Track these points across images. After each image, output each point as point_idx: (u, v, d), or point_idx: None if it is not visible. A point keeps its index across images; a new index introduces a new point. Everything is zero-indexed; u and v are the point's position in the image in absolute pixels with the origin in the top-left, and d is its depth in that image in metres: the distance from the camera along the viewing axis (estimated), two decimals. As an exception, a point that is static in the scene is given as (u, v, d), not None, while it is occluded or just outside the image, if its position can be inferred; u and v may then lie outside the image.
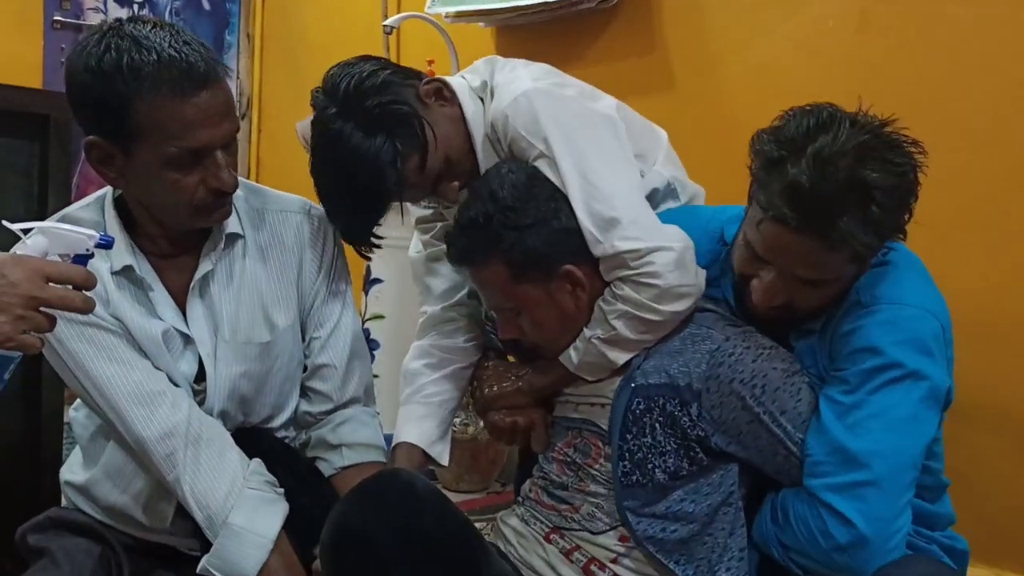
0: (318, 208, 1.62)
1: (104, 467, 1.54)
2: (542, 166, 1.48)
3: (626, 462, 1.39)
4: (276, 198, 1.62)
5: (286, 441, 1.63)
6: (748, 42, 2.14)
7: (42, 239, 1.16)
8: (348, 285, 1.67)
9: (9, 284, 1.09)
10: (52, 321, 1.15)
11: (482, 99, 1.59)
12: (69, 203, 1.54)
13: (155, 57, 1.31)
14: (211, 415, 1.50)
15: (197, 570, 1.43)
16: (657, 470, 1.38)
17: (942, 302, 1.41)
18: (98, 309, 1.42)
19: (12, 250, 1.20)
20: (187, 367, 1.50)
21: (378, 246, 1.62)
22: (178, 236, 1.49)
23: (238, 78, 3.37)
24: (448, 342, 1.73)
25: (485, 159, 1.58)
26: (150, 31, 1.34)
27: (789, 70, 2.05)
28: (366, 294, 2.59)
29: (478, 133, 1.58)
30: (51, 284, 1.12)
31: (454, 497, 2.24)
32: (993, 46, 1.79)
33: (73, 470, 1.61)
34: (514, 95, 1.51)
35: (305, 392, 1.63)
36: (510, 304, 1.48)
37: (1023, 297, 1.79)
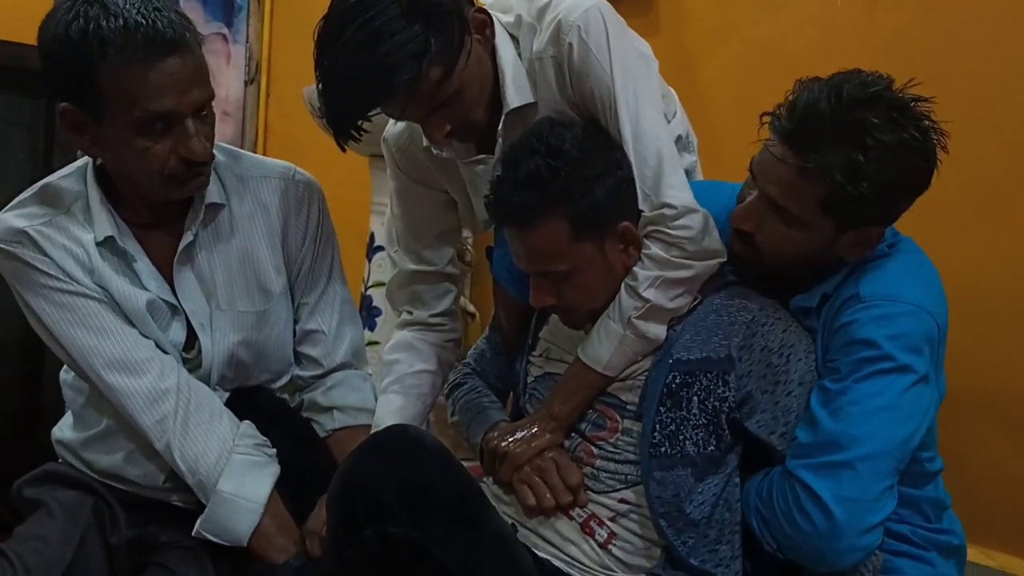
0: (302, 173, 1.61)
1: (94, 431, 1.56)
2: (599, 90, 1.41)
3: (657, 434, 1.37)
4: (258, 164, 1.61)
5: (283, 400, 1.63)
6: (756, 19, 2.13)
7: None
8: (335, 250, 1.66)
9: None
10: None
11: (513, 36, 1.50)
12: (75, 159, 1.54)
13: (121, 23, 1.30)
14: (208, 383, 1.51)
15: (192, 532, 1.44)
16: (688, 442, 1.37)
17: (942, 301, 1.40)
18: (83, 278, 1.43)
19: None
20: (175, 335, 1.51)
21: (358, 139, 1.43)
22: (160, 207, 1.48)
23: (248, 42, 3.36)
24: (432, 336, 1.72)
25: (518, 93, 1.46)
26: None
27: (796, 48, 2.04)
28: (369, 261, 2.60)
29: (509, 69, 1.46)
30: None
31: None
32: (1002, 25, 1.78)
33: (63, 430, 1.63)
34: (584, 7, 1.41)
35: (296, 356, 1.63)
36: (562, 266, 1.40)
37: (1017, 279, 1.78)
